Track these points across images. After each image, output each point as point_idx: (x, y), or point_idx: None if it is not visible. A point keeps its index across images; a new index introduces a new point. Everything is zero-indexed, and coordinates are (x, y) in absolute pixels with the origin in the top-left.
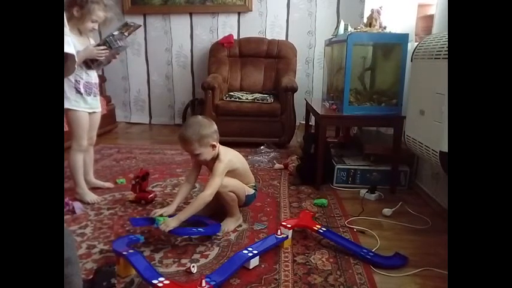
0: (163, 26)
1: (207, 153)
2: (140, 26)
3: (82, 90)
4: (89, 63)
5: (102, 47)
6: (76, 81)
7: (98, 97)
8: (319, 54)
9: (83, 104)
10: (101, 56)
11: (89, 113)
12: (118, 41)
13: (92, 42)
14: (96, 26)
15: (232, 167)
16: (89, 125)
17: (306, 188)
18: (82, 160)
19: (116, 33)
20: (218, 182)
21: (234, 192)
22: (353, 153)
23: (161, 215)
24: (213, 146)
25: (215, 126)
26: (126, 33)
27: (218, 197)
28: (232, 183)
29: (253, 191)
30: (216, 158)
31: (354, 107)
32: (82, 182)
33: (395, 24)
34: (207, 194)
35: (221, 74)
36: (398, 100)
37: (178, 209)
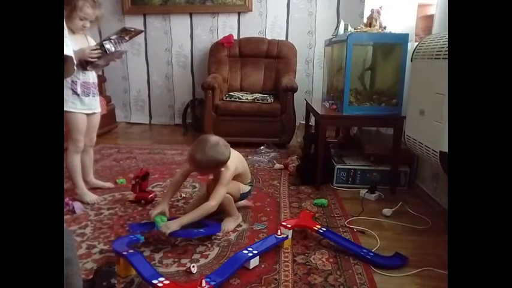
0: (163, 26)
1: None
2: (142, 31)
3: (79, 91)
4: (84, 64)
5: (95, 49)
6: (73, 81)
7: (97, 97)
8: (319, 54)
9: (79, 105)
10: (92, 58)
11: (88, 114)
12: (116, 45)
13: (91, 40)
14: (86, 23)
15: (236, 173)
16: (88, 126)
17: (306, 188)
18: (79, 161)
19: (113, 37)
20: (224, 191)
21: (229, 193)
22: (353, 153)
23: (160, 214)
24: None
25: (229, 150)
26: (126, 38)
27: None
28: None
29: (249, 188)
30: None
31: (354, 107)
32: (81, 182)
33: (395, 24)
34: (213, 205)
35: (221, 74)
36: (398, 100)
37: (179, 211)
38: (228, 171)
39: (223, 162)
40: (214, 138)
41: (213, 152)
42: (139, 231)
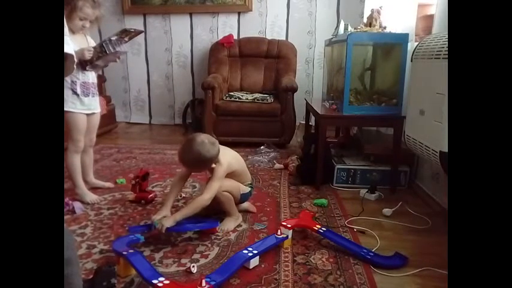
0: (163, 26)
1: (207, 169)
2: (142, 31)
3: (79, 91)
4: (83, 64)
5: (92, 48)
6: (72, 81)
7: (97, 97)
8: (319, 54)
9: (79, 105)
10: (89, 56)
11: (88, 114)
12: (115, 46)
13: (90, 40)
14: (86, 23)
15: (230, 170)
16: (88, 126)
17: (306, 188)
18: (79, 161)
19: (113, 38)
20: (217, 185)
21: (228, 192)
22: (353, 153)
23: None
24: (215, 163)
25: (217, 147)
26: (126, 38)
27: (214, 197)
28: (227, 183)
29: (249, 188)
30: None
31: (354, 107)
32: (81, 182)
33: (395, 24)
34: (206, 198)
35: (221, 74)
36: (398, 100)
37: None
38: (220, 167)
39: (210, 159)
40: (200, 137)
41: (200, 149)
42: (139, 232)
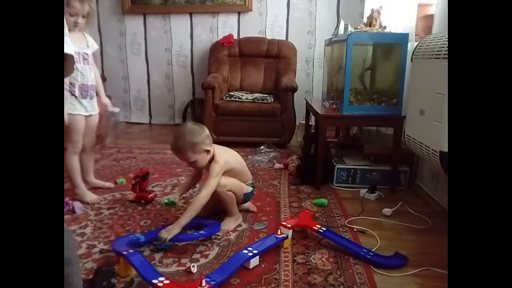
0: (163, 26)
1: (202, 160)
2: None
3: (77, 93)
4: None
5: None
6: (71, 83)
7: (95, 100)
8: (319, 54)
9: (78, 106)
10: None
11: (86, 116)
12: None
13: (89, 39)
14: (78, 19)
15: (228, 168)
16: (86, 127)
17: (306, 188)
18: (78, 162)
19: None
20: (214, 182)
21: (231, 191)
22: (353, 153)
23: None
24: (207, 151)
25: (207, 131)
26: None
27: (216, 196)
28: (230, 182)
29: (251, 188)
30: (211, 159)
31: (354, 106)
32: (80, 183)
33: (395, 24)
34: (204, 195)
35: (221, 74)
36: (398, 100)
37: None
38: (216, 164)
39: (196, 142)
40: (187, 123)
41: (184, 131)
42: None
